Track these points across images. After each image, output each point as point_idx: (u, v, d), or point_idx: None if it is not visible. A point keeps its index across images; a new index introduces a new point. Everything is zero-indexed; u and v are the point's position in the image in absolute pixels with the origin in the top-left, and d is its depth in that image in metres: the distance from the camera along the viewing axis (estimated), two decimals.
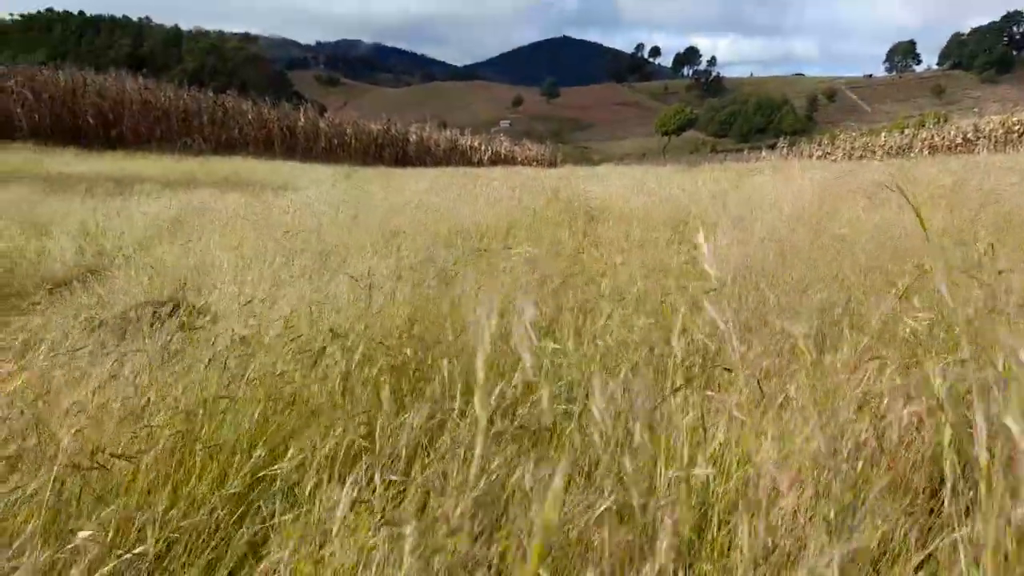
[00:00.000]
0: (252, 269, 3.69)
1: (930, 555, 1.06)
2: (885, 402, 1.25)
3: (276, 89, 62.35)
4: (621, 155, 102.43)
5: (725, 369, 1.60)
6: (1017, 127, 31.39)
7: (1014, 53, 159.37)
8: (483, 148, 39.88)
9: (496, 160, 38.46)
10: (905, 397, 1.26)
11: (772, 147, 50.29)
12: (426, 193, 9.32)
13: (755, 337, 1.81)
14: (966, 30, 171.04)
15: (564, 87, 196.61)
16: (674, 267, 3.77)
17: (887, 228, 4.05)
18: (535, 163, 38.73)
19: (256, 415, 1.43)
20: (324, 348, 1.72)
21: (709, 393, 1.44)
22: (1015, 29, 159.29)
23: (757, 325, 2.09)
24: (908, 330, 1.63)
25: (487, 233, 5.54)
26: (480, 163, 35.88)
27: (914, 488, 1.18)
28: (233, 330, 1.89)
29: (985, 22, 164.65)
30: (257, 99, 31.26)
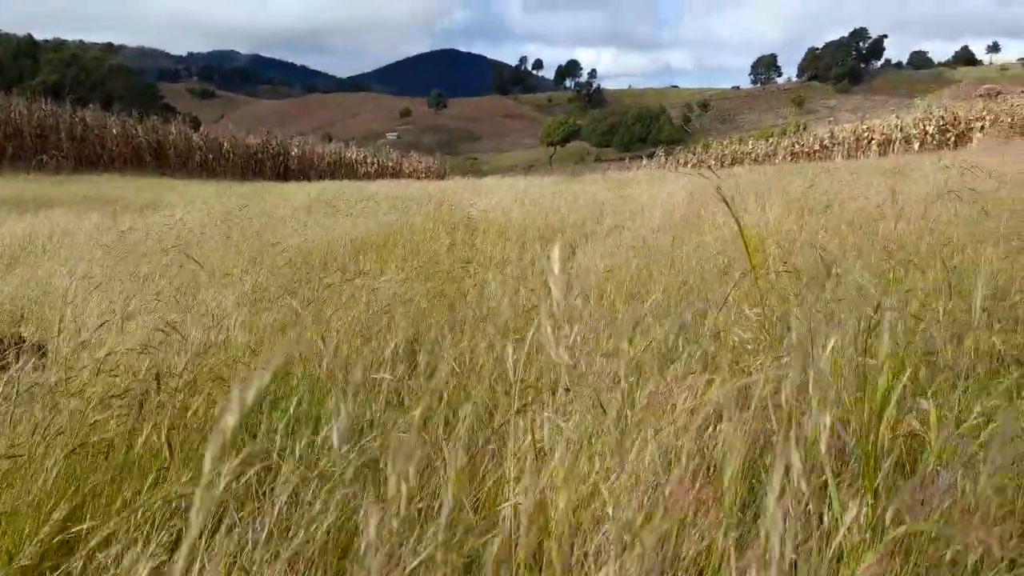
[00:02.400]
0: (101, 300, 3.42)
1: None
2: (705, 414, 1.29)
3: (145, 102, 58.88)
4: (510, 165, 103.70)
5: (565, 389, 1.61)
6: (866, 134, 34.26)
7: (862, 66, 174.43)
8: (369, 161, 39.29)
9: (383, 173, 37.97)
10: (722, 408, 1.30)
11: (651, 156, 52.46)
12: (304, 211, 9.03)
13: (606, 357, 1.84)
14: (821, 44, 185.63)
15: (452, 99, 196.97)
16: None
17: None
18: (423, 175, 38.51)
19: (58, 472, 1.30)
20: (147, 392, 1.59)
21: (547, 414, 1.43)
22: (861, 44, 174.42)
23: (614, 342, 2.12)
24: (737, 338, 1.71)
25: (363, 249, 5.42)
26: (367, 176, 35.26)
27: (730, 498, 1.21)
28: (39, 374, 1.72)
29: (837, 37, 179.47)
30: (123, 113, 29.31)
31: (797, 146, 37.76)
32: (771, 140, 41.33)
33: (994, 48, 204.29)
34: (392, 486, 0.55)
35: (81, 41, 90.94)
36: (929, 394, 1.20)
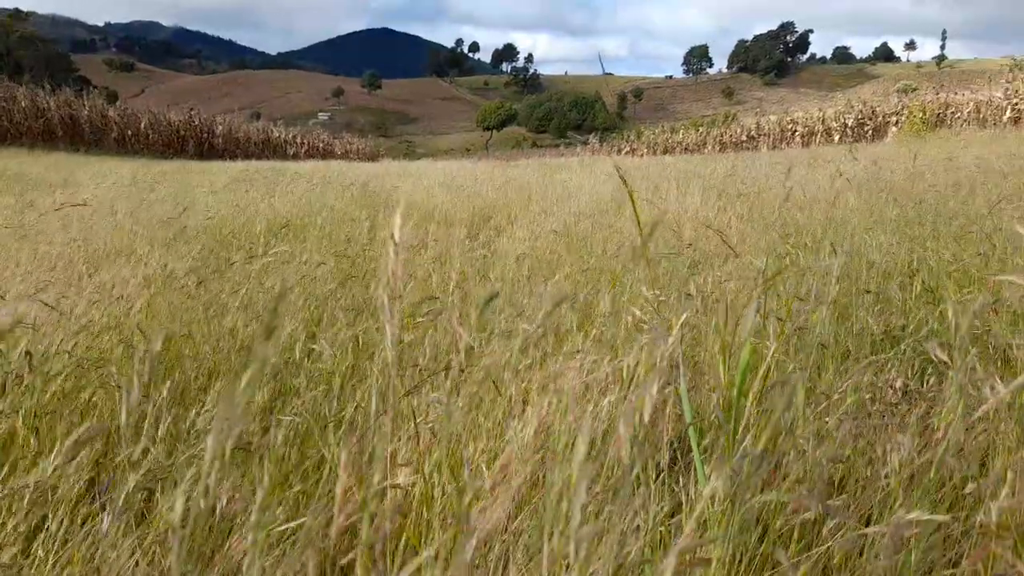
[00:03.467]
0: None
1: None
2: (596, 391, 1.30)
3: (58, 73, 55.70)
4: (446, 148, 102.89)
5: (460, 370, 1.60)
6: (791, 126, 35.40)
7: (789, 59, 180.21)
8: (299, 141, 38.23)
9: (313, 153, 37.07)
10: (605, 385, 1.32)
11: (586, 143, 52.97)
12: (223, 190, 8.73)
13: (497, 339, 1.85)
14: (750, 37, 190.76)
15: (386, 80, 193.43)
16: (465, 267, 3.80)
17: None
18: (355, 157, 37.75)
19: None
20: (14, 374, 1.50)
21: (435, 395, 1.43)
22: (788, 38, 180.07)
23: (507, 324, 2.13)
24: (632, 317, 1.74)
25: (276, 230, 5.28)
26: (296, 157, 34.30)
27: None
28: None
29: (765, 30, 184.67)
30: (33, 84, 27.47)
31: (726, 136, 38.71)
32: (701, 130, 42.26)
33: (911, 46, 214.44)
34: (207, 461, 0.53)
35: None
36: (792, 368, 1.25)
